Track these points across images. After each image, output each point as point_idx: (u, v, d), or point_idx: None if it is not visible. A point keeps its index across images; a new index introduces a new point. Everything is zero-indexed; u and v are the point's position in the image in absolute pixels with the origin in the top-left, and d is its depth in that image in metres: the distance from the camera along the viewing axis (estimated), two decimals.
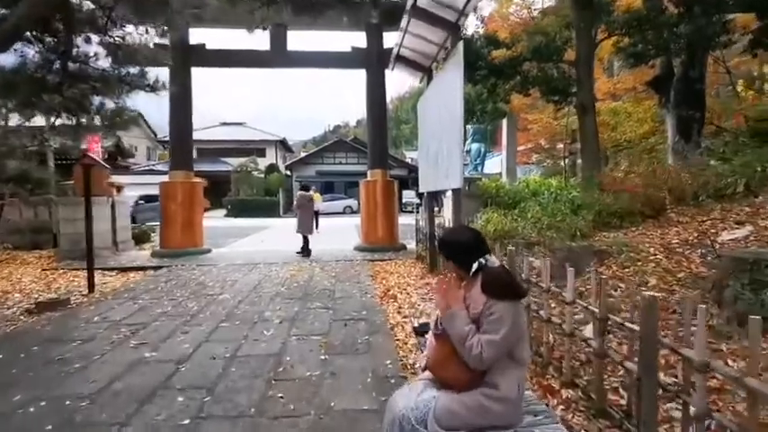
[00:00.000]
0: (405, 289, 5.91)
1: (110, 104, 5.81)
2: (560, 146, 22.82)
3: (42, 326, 4.50)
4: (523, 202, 8.96)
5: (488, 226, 7.41)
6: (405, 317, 4.63)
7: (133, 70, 5.67)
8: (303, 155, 37.14)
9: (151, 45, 9.29)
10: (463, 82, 4.58)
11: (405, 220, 11.75)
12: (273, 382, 3.08)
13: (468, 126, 19.35)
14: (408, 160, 37.37)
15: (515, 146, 15.25)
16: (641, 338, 1.95)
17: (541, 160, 21.68)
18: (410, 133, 61.54)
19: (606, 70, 13.91)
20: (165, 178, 9.76)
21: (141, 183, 24.23)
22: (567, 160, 13.93)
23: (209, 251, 9.72)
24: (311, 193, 9.30)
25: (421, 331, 2.81)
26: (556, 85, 7.88)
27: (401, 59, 6.77)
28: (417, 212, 26.53)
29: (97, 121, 5.73)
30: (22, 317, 4.91)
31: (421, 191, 7.18)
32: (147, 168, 32.44)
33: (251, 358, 3.52)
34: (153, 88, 5.92)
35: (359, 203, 31.43)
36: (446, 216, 10.42)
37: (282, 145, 40.06)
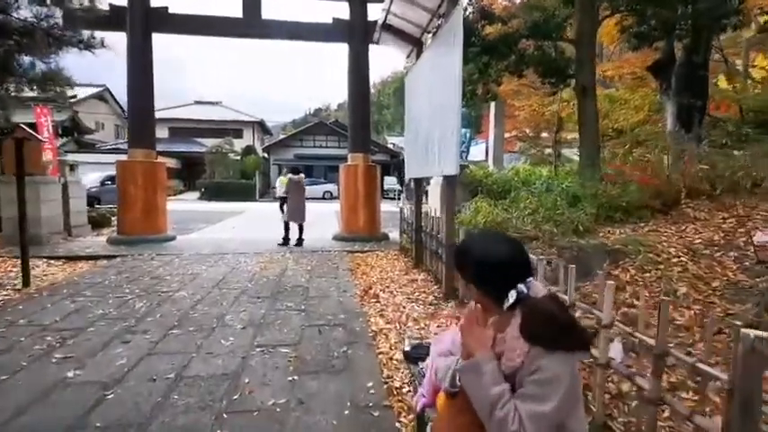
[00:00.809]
0: (388, 286, 5.30)
1: (41, 66, 4.89)
2: (545, 134, 22.50)
3: None
4: (514, 192, 8.43)
5: (478, 216, 6.83)
6: (388, 322, 4.02)
7: (61, 21, 4.74)
8: (282, 137, 35.89)
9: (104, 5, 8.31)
10: (462, 54, 3.91)
11: (386, 207, 11.11)
12: (225, 416, 2.42)
13: None
14: (390, 146, 36.61)
15: (503, 132, 14.72)
16: (732, 393, 1.38)
17: (526, 149, 21.28)
18: (392, 118, 60.54)
19: (597, 56, 13.42)
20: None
21: (108, 162, 22.79)
22: (554, 149, 13.48)
23: (173, 239, 8.88)
24: (302, 176, 8.55)
25: (414, 357, 2.19)
26: (554, 64, 7.30)
27: (388, 29, 6.03)
28: (399, 199, 26.09)
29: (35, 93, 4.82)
30: None
31: (407, 177, 6.53)
32: (113, 147, 30.72)
33: (201, 380, 2.84)
34: (87, 45, 5.02)
35: (339, 189, 30.81)
36: (432, 205, 9.81)
37: (260, 127, 38.68)
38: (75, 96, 12.93)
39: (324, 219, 14.34)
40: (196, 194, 28.52)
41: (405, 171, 6.62)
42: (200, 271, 6.06)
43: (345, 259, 7.07)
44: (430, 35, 5.91)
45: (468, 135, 16.80)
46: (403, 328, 3.83)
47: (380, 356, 3.29)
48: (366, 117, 9.39)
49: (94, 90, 31.92)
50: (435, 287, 5.09)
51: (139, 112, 8.64)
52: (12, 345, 3.39)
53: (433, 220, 5.68)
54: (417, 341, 2.54)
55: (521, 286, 1.19)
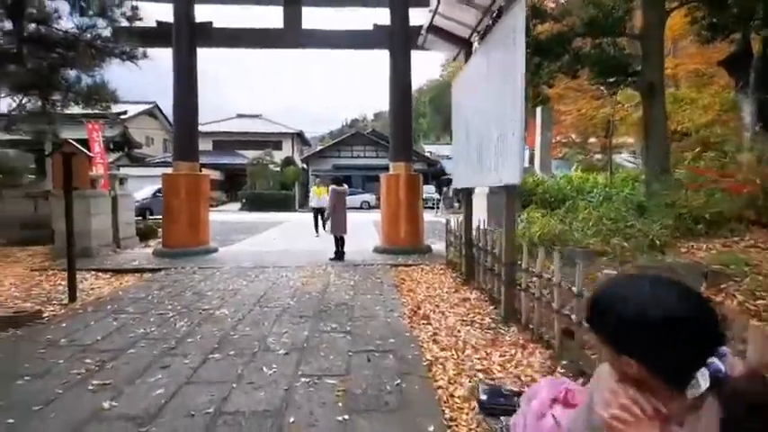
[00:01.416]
0: (437, 306, 4.89)
1: (87, 80, 4.91)
2: (593, 139, 21.43)
3: None
4: (568, 201, 7.82)
5: (532, 228, 6.32)
6: (444, 348, 3.61)
7: (105, 32, 4.72)
8: (320, 148, 36.30)
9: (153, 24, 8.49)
10: (525, 51, 3.51)
11: (425, 217, 10.70)
12: None
13: None
14: (427, 154, 36.23)
15: (550, 138, 13.99)
16: None
17: (572, 155, 20.31)
18: (428, 127, 60.15)
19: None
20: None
21: (157, 175, 23.71)
22: (609, 155, 12.65)
23: (215, 250, 8.87)
24: (345, 187, 8.40)
25: (492, 407, 1.79)
26: (614, 62, 6.70)
27: (435, 31, 5.70)
28: (437, 209, 25.52)
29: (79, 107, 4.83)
30: None
31: (455, 186, 6.12)
32: (161, 161, 32.07)
33: (242, 416, 2.55)
34: (130, 56, 4.99)
35: (377, 199, 30.59)
36: (478, 217, 9.27)
37: (299, 138, 39.37)
38: (125, 113, 13.47)
39: (362, 229, 14.09)
40: (237, 205, 29.20)
41: (453, 180, 6.20)
42: (241, 286, 5.88)
43: (389, 274, 6.71)
44: (477, 36, 5.53)
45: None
46: (461, 357, 3.42)
47: (439, 391, 2.89)
48: (408, 125, 9.08)
49: (145, 107, 33.49)
50: (491, 308, 4.63)
51: (184, 126, 8.74)
52: (49, 368, 3.25)
53: (485, 234, 5.24)
54: (492, 386, 2.13)
55: (715, 362, 0.79)
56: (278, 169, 30.84)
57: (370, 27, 8.84)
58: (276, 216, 21.31)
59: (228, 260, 7.87)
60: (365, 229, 14.17)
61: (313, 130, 55.80)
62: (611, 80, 7.14)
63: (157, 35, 8.55)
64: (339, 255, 7.90)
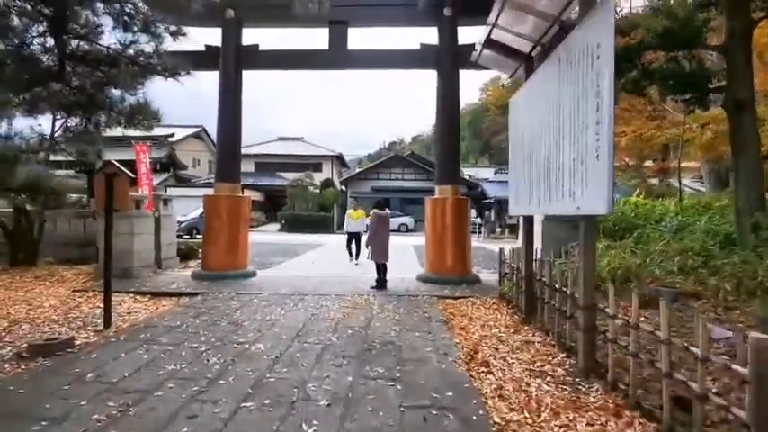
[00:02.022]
0: (497, 349, 4.28)
1: (130, 99, 4.80)
2: (649, 163, 20.12)
3: (17, 385, 3.37)
4: (636, 230, 7.04)
5: (602, 262, 5.62)
6: (513, 408, 3.02)
7: (147, 47, 4.57)
8: (358, 170, 36.43)
9: (202, 47, 8.58)
10: (613, 57, 3.00)
11: None
12: None
13: None
14: (467, 177, 35.50)
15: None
16: None
17: (626, 180, 19.07)
18: (466, 150, 59.39)
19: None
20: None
21: (201, 196, 24.38)
22: (679, 179, 11.64)
23: (253, 274, 8.62)
24: (388, 211, 8.03)
25: None
26: (691, 77, 6.00)
27: (492, 45, 5.27)
28: (479, 233, 24.65)
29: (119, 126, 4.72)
30: (6, 364, 3.85)
31: (512, 213, 5.56)
32: (207, 181, 33.14)
33: None
34: (173, 72, 4.85)
35: (415, 222, 30.06)
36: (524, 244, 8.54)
37: (338, 160, 39.78)
38: (173, 135, 13.86)
39: (402, 253, 13.59)
40: (277, 226, 29.51)
41: (510, 206, 5.65)
42: (279, 316, 5.50)
43: (436, 307, 6.15)
44: (539, 50, 5.05)
45: None
46: (537, 421, 2.82)
47: None
48: (456, 147, 8.63)
49: (192, 130, 35.03)
50: (562, 355, 3.98)
51: (227, 147, 8.68)
52: (69, 411, 2.92)
53: (549, 268, 4.62)
54: None
55: None
56: (317, 191, 31.08)
57: (417, 46, 8.56)
58: (314, 238, 21.22)
59: (266, 286, 7.56)
60: (405, 254, 13.67)
61: (351, 153, 56.50)
62: (687, 97, 6.43)
63: (205, 58, 8.63)
64: (381, 283, 7.42)
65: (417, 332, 4.89)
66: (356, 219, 11.15)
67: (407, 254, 13.93)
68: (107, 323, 5.01)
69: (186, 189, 27.07)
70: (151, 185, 9.48)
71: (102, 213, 5.01)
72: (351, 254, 11.25)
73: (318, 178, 32.90)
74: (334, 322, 5.23)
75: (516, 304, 5.73)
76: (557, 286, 4.28)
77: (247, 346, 4.30)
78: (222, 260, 8.32)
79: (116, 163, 4.95)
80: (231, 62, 8.52)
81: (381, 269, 7.47)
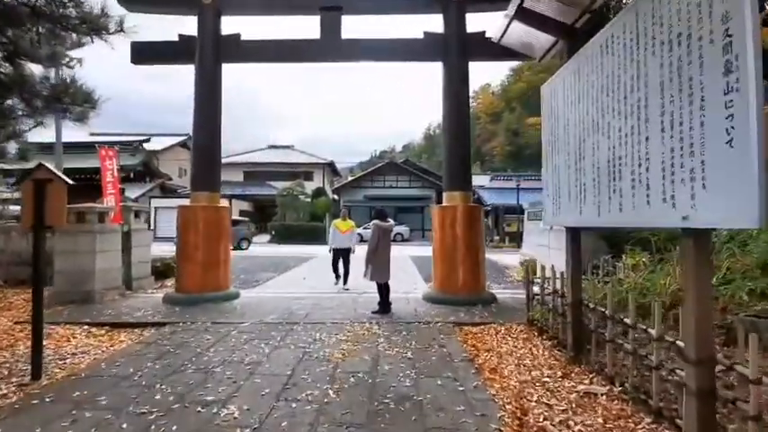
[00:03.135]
0: (548, 405, 3.21)
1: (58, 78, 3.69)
2: None
3: None
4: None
5: (656, 280, 4.60)
6: None
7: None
8: (351, 178, 35.42)
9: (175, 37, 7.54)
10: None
11: None
12: None
13: None
14: None
15: None
16: None
17: None
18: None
19: None
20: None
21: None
22: None
23: (235, 296, 7.48)
24: (392, 222, 6.83)
25: None
26: None
27: (524, 16, 4.27)
28: (487, 241, 23.64)
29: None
30: None
31: (547, 224, 4.54)
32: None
33: None
34: (94, 29, 3.73)
35: (410, 231, 29.01)
36: (537, 256, 7.50)
37: (330, 168, 38.78)
38: (148, 139, 12.67)
39: (401, 266, 12.53)
40: (267, 237, 28.29)
41: (546, 216, 4.63)
42: (262, 357, 4.37)
43: (454, 338, 5.08)
44: (585, 18, 4.07)
45: None
46: None
47: None
48: (466, 147, 7.62)
49: (179, 139, 33.77)
50: (648, 420, 2.92)
51: (205, 150, 7.58)
52: None
53: (610, 295, 3.59)
54: None
55: None
56: (309, 200, 29.97)
57: (420, 35, 7.58)
58: (306, 249, 20.04)
59: (249, 312, 6.43)
60: (405, 267, 12.61)
61: (342, 161, 55.53)
62: None
63: (179, 50, 7.58)
64: (384, 307, 6.33)
65: (439, 379, 3.80)
66: (345, 231, 8.75)
67: (407, 266, 12.87)
68: (35, 373, 3.85)
69: (173, 200, 25.77)
70: (119, 195, 8.33)
71: (28, 231, 3.86)
72: (337, 276, 8.85)
73: (310, 187, 31.83)
74: (331, 365, 4.13)
75: (554, 335, 4.68)
76: (628, 321, 3.24)
77: (215, 409, 3.18)
78: (199, 281, 7.17)
79: (49, 166, 3.84)
80: (209, 54, 7.46)
81: (384, 290, 6.38)
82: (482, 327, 5.58)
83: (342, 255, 8.65)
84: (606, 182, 3.23)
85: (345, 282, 8.61)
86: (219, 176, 7.75)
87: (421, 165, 41.72)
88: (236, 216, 26.22)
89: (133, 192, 25.49)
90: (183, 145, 35.39)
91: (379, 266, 6.32)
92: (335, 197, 33.23)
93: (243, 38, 7.64)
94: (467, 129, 7.59)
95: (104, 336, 5.40)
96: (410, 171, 32.93)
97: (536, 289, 5.40)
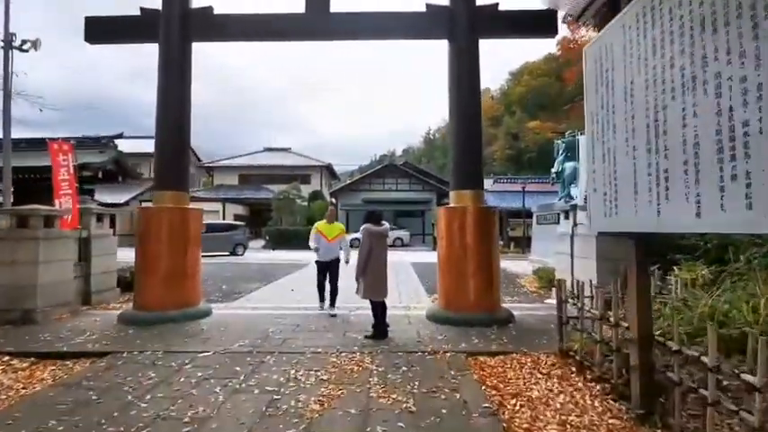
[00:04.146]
0: None
1: None
2: None
3: None
4: (751, 250, 4.90)
5: (737, 304, 3.47)
6: None
7: None
8: (349, 181, 34.31)
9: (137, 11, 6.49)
10: None
11: None
12: None
13: (558, 140, 15.40)
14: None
15: None
16: None
17: None
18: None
19: None
20: (208, 206, 6.65)
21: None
22: None
23: (205, 314, 6.35)
24: (386, 226, 5.51)
25: None
26: None
27: None
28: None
29: None
30: None
31: (604, 230, 3.42)
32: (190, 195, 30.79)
33: None
34: None
35: (410, 235, 27.84)
36: (577, 274, 6.37)
37: (328, 171, 37.69)
38: (121, 134, 11.55)
39: (401, 275, 11.40)
40: (261, 242, 27.16)
41: (592, 220, 3.50)
42: (210, 411, 3.22)
43: (469, 376, 3.93)
44: None
45: (577, 169, 13.24)
46: None
47: None
48: (477, 139, 6.49)
49: None
50: None
51: (170, 142, 6.46)
52: None
53: (712, 336, 2.45)
54: None
55: None
56: (305, 204, 28.85)
57: (423, 8, 6.49)
58: (300, 255, 18.89)
59: (217, 335, 5.30)
60: (405, 276, 11.47)
61: (342, 165, 54.54)
62: None
63: (142, 26, 6.49)
64: (379, 330, 5.19)
65: None
66: (333, 238, 6.68)
67: (408, 275, 11.73)
68: None
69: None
70: (75, 196, 7.20)
71: (18, 232, 2.72)
72: (323, 297, 6.81)
73: (307, 190, 30.71)
74: (302, 426, 2.98)
75: (602, 375, 3.54)
76: (752, 381, 2.11)
77: None
78: (161, 296, 6.04)
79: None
80: (175, 29, 6.37)
81: (379, 309, 5.24)
82: (502, 358, 4.44)
83: (329, 269, 6.69)
84: (712, 165, 2.11)
85: (333, 303, 6.62)
86: (187, 173, 6.65)
87: (421, 167, 40.64)
88: (230, 220, 25.19)
89: (121, 195, 24.39)
90: None
91: (372, 281, 5.17)
92: (333, 200, 32.11)
93: (216, 12, 6.55)
94: (478, 116, 6.47)
95: (26, 370, 4.27)
96: (410, 173, 31.81)
97: (570, 308, 4.27)
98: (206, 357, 4.45)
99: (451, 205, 6.33)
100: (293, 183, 29.19)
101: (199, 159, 37.90)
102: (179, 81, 6.44)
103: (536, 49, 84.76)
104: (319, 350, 4.65)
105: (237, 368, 4.12)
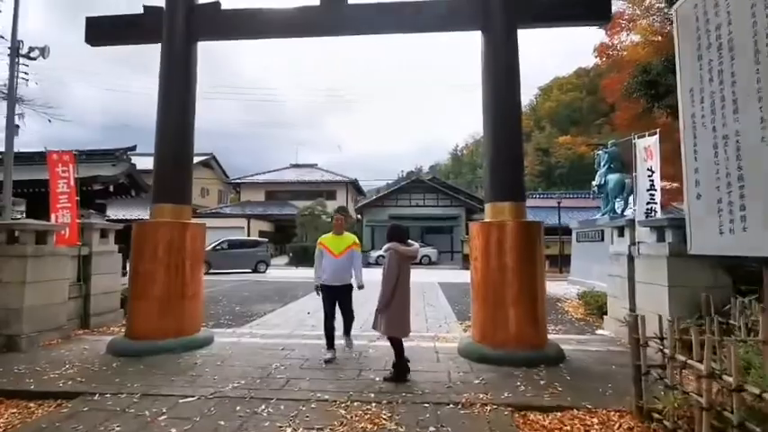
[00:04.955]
0: None
1: None
2: None
3: None
4: None
5: None
6: None
7: None
8: (374, 197, 33.63)
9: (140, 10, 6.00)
10: None
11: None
12: None
13: (599, 151, 14.18)
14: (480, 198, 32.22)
15: None
16: None
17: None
18: (473, 178, 55.94)
19: None
20: (234, 222, 6.00)
21: (215, 227, 22.09)
22: None
23: (206, 342, 5.60)
24: (416, 246, 4.49)
25: None
26: None
27: None
28: None
29: None
30: None
31: (712, 251, 2.42)
32: (213, 212, 30.91)
33: None
34: None
35: (438, 253, 26.69)
36: (638, 301, 5.25)
37: (354, 187, 37.21)
38: (134, 147, 11.20)
39: (428, 297, 10.40)
40: (286, 259, 26.70)
41: (693, 242, 2.53)
42: None
43: None
44: None
45: (625, 183, 11.97)
46: None
47: None
48: (516, 143, 5.58)
49: (201, 158, 33.12)
50: None
51: (171, 151, 5.85)
52: None
53: None
54: None
55: None
56: (329, 220, 28.30)
57: None
58: None
59: (211, 371, 4.51)
60: (433, 297, 10.46)
61: (368, 181, 54.16)
62: None
63: (145, 25, 5.99)
64: (400, 371, 4.26)
65: None
66: (341, 253, 5.25)
67: (436, 297, 10.71)
68: None
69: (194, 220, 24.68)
70: (75, 210, 6.69)
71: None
72: (331, 342, 5.17)
73: (332, 206, 30.20)
74: None
75: None
76: None
77: None
78: (155, 323, 5.34)
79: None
80: (179, 27, 5.83)
81: (401, 347, 4.32)
82: (558, 415, 3.43)
83: (338, 297, 5.30)
84: None
85: (348, 332, 5.49)
86: (190, 184, 6.01)
87: (449, 183, 39.67)
88: (255, 237, 24.87)
89: (135, 211, 24.38)
90: (205, 164, 34.86)
91: (396, 314, 4.25)
92: (359, 216, 31.47)
93: (223, 7, 5.99)
94: (518, 117, 5.58)
95: None
96: (437, 188, 30.83)
97: (654, 353, 3.24)
98: (188, 404, 3.64)
99: (487, 220, 5.41)
100: (318, 199, 28.78)
101: (226, 175, 38.27)
102: (183, 84, 5.87)
103: (566, 64, 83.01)
104: (326, 397, 3.77)
105: (222, 422, 3.29)
